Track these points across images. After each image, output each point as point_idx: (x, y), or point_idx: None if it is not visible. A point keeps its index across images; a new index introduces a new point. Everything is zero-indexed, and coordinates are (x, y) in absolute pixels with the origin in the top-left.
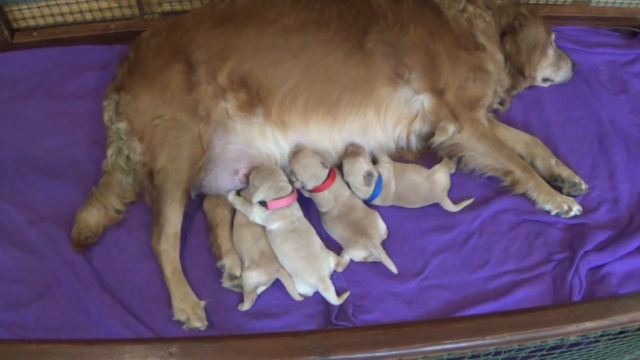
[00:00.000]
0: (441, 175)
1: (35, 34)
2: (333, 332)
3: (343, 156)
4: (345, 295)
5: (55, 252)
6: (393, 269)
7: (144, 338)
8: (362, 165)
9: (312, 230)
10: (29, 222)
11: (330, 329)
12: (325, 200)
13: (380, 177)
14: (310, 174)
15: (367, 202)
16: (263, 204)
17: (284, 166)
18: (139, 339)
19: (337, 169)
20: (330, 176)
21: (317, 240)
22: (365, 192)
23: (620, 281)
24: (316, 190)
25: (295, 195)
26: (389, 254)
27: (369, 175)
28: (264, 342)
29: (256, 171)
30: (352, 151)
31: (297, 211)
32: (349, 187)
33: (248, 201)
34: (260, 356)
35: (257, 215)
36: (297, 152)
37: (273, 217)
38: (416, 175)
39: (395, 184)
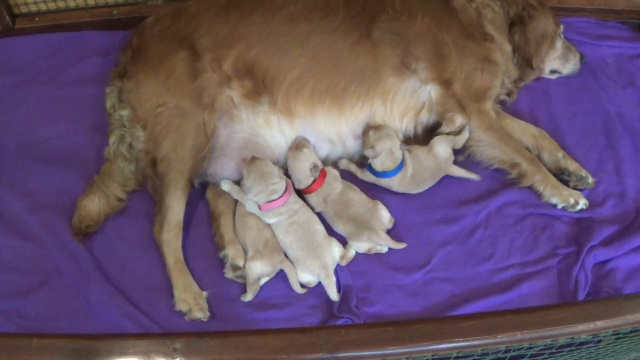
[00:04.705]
0: (440, 148)
1: (37, 19)
2: (341, 329)
3: (372, 129)
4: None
5: (56, 241)
6: (401, 246)
7: (147, 333)
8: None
9: (315, 219)
10: (29, 210)
11: (339, 325)
12: (314, 202)
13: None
14: (295, 176)
15: (386, 177)
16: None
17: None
18: (142, 334)
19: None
20: (317, 181)
21: (320, 229)
22: (396, 159)
23: (626, 276)
24: (305, 192)
25: (289, 192)
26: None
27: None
28: (270, 339)
29: (247, 170)
30: (377, 124)
31: (294, 205)
32: (369, 166)
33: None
34: (266, 352)
35: (252, 208)
36: (296, 147)
37: (268, 215)
38: (420, 152)
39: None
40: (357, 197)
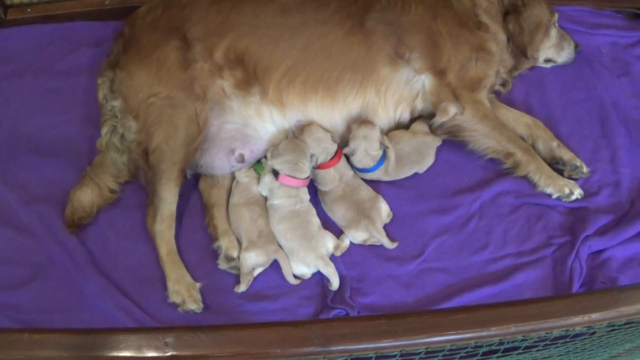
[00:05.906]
0: (418, 126)
1: (29, 10)
2: (334, 322)
3: (356, 124)
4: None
5: (49, 233)
6: (393, 245)
7: (139, 327)
8: (378, 133)
9: (313, 211)
10: (21, 201)
11: (331, 319)
12: (330, 177)
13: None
14: (322, 148)
15: (368, 173)
16: (276, 173)
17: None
18: (133, 329)
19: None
20: (338, 153)
21: (316, 221)
22: (374, 157)
23: (620, 266)
24: (323, 166)
25: (307, 181)
26: (387, 236)
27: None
28: (262, 332)
29: (288, 140)
30: (364, 120)
31: (304, 195)
32: (350, 161)
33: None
34: (258, 346)
35: (265, 183)
36: (308, 125)
37: (278, 192)
38: (395, 133)
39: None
40: (364, 185)
